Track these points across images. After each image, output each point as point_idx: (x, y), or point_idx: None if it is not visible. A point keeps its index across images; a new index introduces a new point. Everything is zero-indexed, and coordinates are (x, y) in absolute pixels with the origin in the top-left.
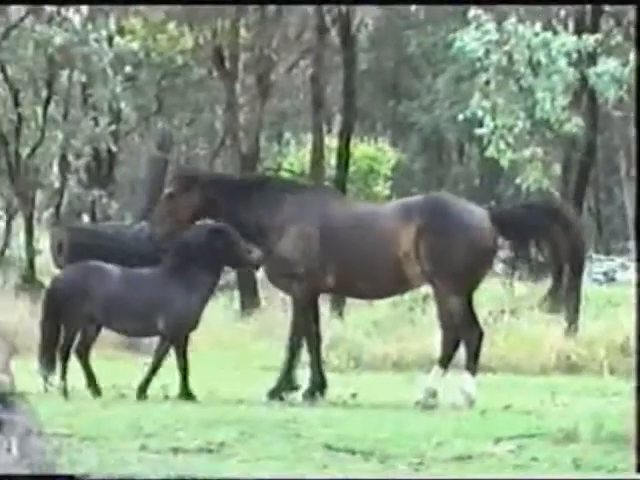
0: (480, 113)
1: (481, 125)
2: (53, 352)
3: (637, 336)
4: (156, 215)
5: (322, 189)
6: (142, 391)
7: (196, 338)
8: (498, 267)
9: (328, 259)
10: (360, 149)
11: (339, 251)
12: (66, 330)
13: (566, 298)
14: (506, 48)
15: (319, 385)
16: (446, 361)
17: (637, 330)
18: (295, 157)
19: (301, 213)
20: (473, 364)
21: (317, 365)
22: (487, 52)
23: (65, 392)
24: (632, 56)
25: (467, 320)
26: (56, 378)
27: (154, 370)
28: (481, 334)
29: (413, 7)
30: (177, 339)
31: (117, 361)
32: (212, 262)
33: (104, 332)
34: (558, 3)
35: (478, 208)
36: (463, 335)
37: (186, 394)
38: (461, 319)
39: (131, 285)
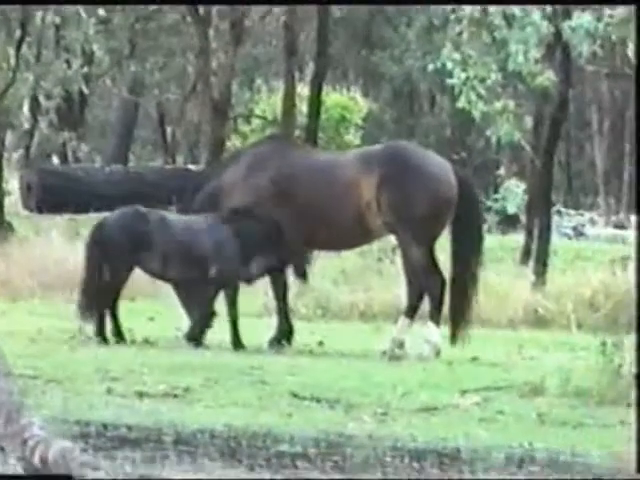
0: (450, 64)
1: (452, 76)
2: (97, 298)
3: (637, 292)
4: None
5: (277, 139)
6: (196, 340)
7: (163, 283)
8: None
9: (284, 210)
10: (332, 98)
11: (296, 201)
12: (116, 276)
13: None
14: None
15: (286, 333)
16: (412, 311)
17: (637, 286)
18: (267, 104)
19: (252, 167)
20: (437, 314)
21: (284, 313)
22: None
23: (105, 338)
24: (607, 11)
25: (430, 270)
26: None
27: (206, 317)
28: (444, 283)
29: None
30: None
31: None
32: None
33: (69, 274)
34: (557, 3)
35: (439, 158)
36: (426, 285)
37: (237, 343)
38: (423, 269)
39: (188, 232)
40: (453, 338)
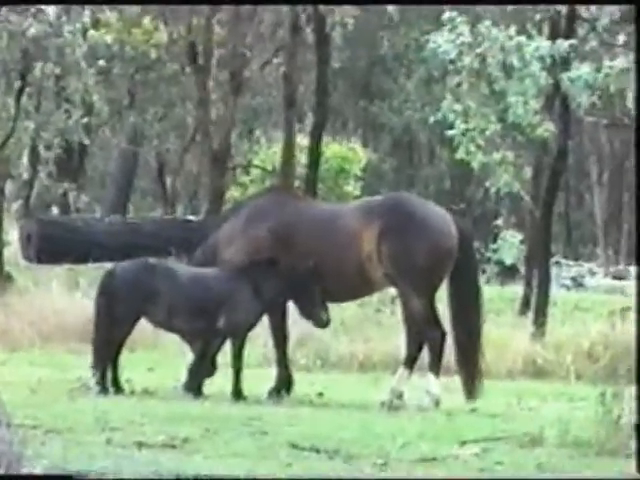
0: (451, 116)
1: (452, 127)
2: (108, 348)
3: (637, 344)
4: None
5: (278, 191)
6: (236, 394)
7: (163, 333)
8: None
9: (284, 261)
10: (331, 148)
11: (296, 252)
12: (121, 327)
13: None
14: (479, 51)
15: (285, 383)
16: (411, 362)
17: (637, 338)
18: (266, 154)
19: (251, 219)
20: (437, 365)
21: (284, 363)
22: (460, 54)
23: (106, 389)
24: (606, 62)
25: (430, 321)
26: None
27: (205, 367)
28: (444, 335)
29: (390, 7)
30: (236, 338)
31: (81, 354)
32: (282, 281)
33: (68, 325)
34: (557, 3)
35: (440, 209)
36: (426, 336)
37: (238, 393)
38: (424, 320)
39: (196, 284)
40: (468, 393)
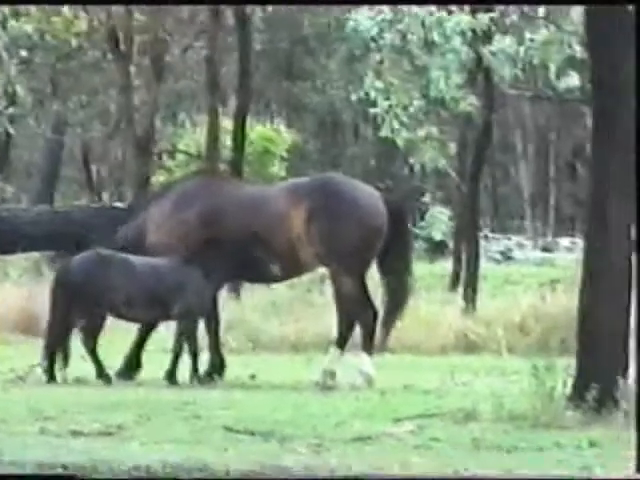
0: (373, 93)
1: (374, 105)
2: (64, 342)
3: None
4: None
5: (204, 174)
6: (170, 377)
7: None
8: None
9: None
10: (256, 130)
11: (225, 235)
12: (89, 319)
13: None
14: (400, 27)
15: (218, 367)
16: (342, 342)
17: (637, 326)
18: (191, 138)
19: (179, 203)
20: (369, 344)
21: (215, 347)
22: (381, 31)
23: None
24: (527, 35)
25: (361, 300)
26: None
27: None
28: (375, 314)
29: None
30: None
31: (13, 344)
32: (230, 260)
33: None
34: (551, 3)
35: (368, 187)
36: (358, 316)
37: (171, 377)
38: (355, 300)
39: (150, 273)
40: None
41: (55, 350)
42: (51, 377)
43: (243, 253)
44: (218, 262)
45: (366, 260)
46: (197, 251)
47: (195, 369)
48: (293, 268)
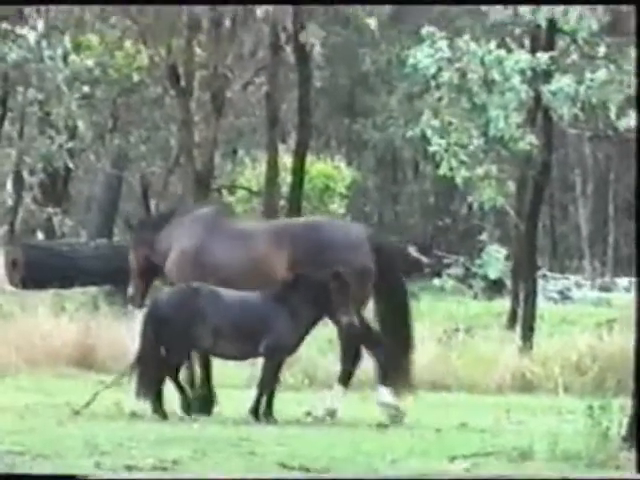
0: (429, 132)
1: (430, 144)
2: (154, 376)
3: (636, 352)
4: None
5: (211, 208)
6: (254, 413)
7: None
8: (448, 284)
9: (206, 278)
10: (316, 167)
11: (215, 271)
12: (172, 354)
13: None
14: (458, 65)
15: (208, 401)
16: (347, 379)
17: (636, 346)
18: (252, 174)
19: (183, 234)
20: (385, 375)
21: (207, 380)
22: (439, 69)
23: (164, 414)
24: (587, 74)
25: (367, 336)
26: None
27: (263, 392)
28: (383, 344)
29: (372, 23)
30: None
31: (69, 378)
32: (319, 300)
33: (55, 349)
34: (557, 4)
35: (354, 227)
36: (368, 350)
37: (269, 413)
38: (360, 336)
39: (239, 308)
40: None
41: (156, 389)
42: (163, 415)
43: (326, 293)
44: (304, 300)
45: (359, 299)
46: (284, 287)
47: (256, 406)
48: None
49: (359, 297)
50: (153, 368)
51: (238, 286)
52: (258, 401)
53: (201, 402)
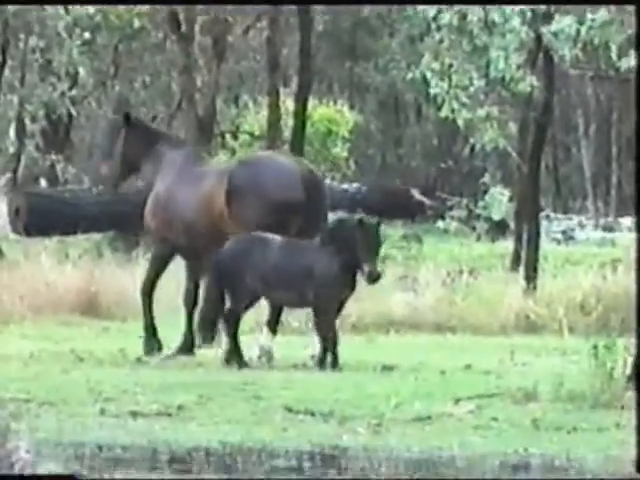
0: (429, 74)
1: (430, 86)
2: (215, 321)
3: (637, 316)
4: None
5: (181, 152)
6: (334, 362)
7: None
8: (451, 227)
9: (173, 219)
10: (318, 111)
11: (179, 213)
12: (232, 301)
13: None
14: (458, 7)
15: (189, 344)
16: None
17: (637, 310)
18: (255, 119)
19: (163, 174)
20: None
21: (188, 325)
22: (439, 11)
23: (243, 362)
24: (588, 15)
25: None
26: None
27: (327, 341)
28: None
29: None
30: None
31: (73, 325)
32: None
33: (59, 297)
34: (553, 3)
35: (290, 165)
36: None
37: (335, 363)
38: None
39: (287, 255)
40: None
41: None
42: (241, 361)
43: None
44: (341, 247)
45: (281, 232)
46: (325, 235)
47: (322, 357)
48: (217, 242)
49: (281, 231)
50: (214, 314)
51: (195, 226)
52: (324, 351)
53: (185, 344)
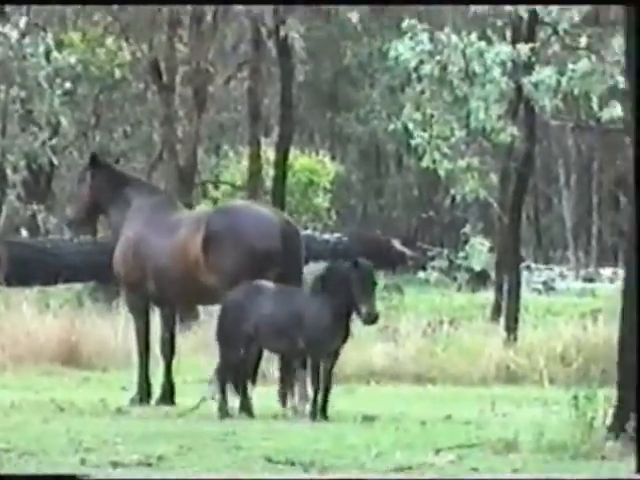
0: (411, 125)
1: (412, 137)
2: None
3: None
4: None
5: (153, 200)
6: (322, 413)
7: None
8: (432, 277)
9: (145, 266)
10: (300, 161)
11: (150, 259)
12: (231, 350)
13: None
14: (439, 58)
15: (168, 393)
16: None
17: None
18: (236, 168)
19: (132, 219)
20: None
21: (167, 372)
22: (421, 62)
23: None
24: (570, 65)
25: None
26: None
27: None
28: None
29: (354, 18)
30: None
31: (54, 375)
32: (344, 290)
33: (40, 347)
34: (554, 3)
35: (267, 212)
36: None
37: (322, 413)
38: None
39: (278, 303)
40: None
41: (246, 384)
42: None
43: (349, 283)
44: (334, 292)
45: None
46: (317, 281)
47: (314, 407)
48: (197, 293)
49: (262, 278)
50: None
51: (169, 273)
52: (315, 401)
53: (164, 394)
